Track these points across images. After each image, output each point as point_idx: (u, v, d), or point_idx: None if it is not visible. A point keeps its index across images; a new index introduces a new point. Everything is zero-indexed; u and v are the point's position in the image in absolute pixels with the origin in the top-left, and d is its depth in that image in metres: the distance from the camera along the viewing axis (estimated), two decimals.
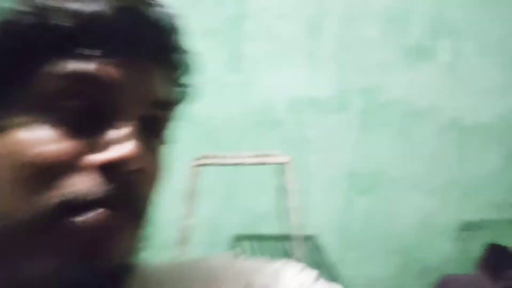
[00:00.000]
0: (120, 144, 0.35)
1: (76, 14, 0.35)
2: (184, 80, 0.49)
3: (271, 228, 3.08)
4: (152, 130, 0.42)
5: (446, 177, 3.30)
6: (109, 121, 0.37)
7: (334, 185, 3.17)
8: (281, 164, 2.59)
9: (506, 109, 3.34)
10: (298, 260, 2.78)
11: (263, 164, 2.61)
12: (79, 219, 0.34)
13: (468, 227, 3.33)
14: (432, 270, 3.31)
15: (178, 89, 0.47)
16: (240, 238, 3.16)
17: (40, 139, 0.34)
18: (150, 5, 0.41)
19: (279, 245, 3.09)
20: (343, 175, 3.17)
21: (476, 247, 3.32)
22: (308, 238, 3.13)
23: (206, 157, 2.60)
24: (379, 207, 3.23)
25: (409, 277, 3.29)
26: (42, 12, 0.35)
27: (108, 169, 0.35)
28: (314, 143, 3.13)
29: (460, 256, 3.34)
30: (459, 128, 3.30)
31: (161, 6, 0.41)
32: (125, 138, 0.36)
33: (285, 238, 3.07)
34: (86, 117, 0.36)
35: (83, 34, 0.35)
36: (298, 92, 3.08)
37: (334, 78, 3.12)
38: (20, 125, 0.35)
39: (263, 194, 3.06)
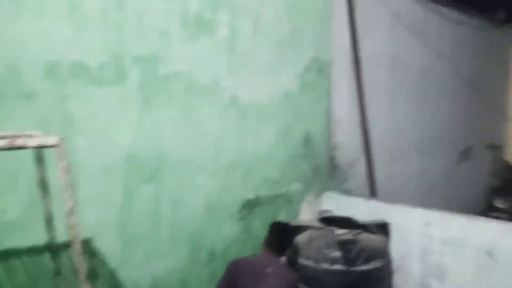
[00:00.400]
0: None
1: None
2: None
3: (21, 239, 2.26)
4: None
5: (228, 157, 3.20)
6: None
7: (109, 173, 2.58)
8: (43, 148, 1.86)
9: (275, 88, 3.50)
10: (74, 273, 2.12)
11: (14, 149, 1.77)
12: None
13: (249, 206, 3.35)
14: (219, 255, 3.18)
15: None
16: None
17: None
18: None
19: (38, 259, 2.30)
20: (120, 161, 2.63)
21: (258, 225, 3.37)
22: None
23: None
24: (165, 195, 2.85)
25: (197, 267, 3.05)
26: None
27: None
28: (82, 122, 2.46)
29: (244, 236, 3.32)
30: (238, 107, 3.26)
31: None
32: None
33: (46, 249, 2.31)
34: None
35: None
36: (57, 54, 2.34)
37: (107, 40, 2.52)
38: None
39: (10, 191, 2.20)
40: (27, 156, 2.23)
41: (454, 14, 5.74)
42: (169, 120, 2.85)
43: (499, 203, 6.86)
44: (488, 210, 6.60)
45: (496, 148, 7.17)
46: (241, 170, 3.28)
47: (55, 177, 2.06)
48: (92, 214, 2.50)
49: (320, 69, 3.87)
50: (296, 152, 3.68)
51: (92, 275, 2.53)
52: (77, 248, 1.44)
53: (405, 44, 4.96)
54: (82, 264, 1.42)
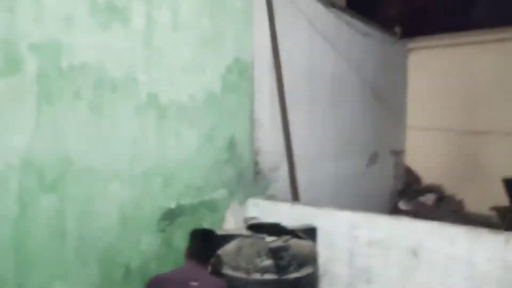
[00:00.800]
0: None
1: None
2: None
3: None
4: None
5: (147, 163, 2.87)
6: None
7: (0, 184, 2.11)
8: None
9: (196, 88, 3.26)
10: None
11: None
12: None
13: (170, 216, 3.03)
14: (136, 272, 2.81)
15: None
16: None
17: None
18: None
19: None
20: (13, 167, 2.16)
21: (180, 237, 3.06)
22: None
23: None
24: (70, 207, 2.42)
25: (110, 287, 2.65)
26: None
27: None
28: None
29: (164, 250, 2.99)
30: (157, 107, 2.95)
31: None
32: None
33: None
34: None
35: None
36: None
37: None
38: None
39: None
40: None
41: (362, 26, 6.05)
42: (74, 119, 2.44)
43: (402, 205, 7.35)
44: (393, 212, 7.02)
45: (397, 153, 7.72)
46: (161, 176, 2.96)
47: None
48: None
49: (243, 70, 3.72)
50: (220, 157, 3.46)
51: None
52: None
53: (320, 51, 5.06)
54: None
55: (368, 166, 6.55)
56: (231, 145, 3.57)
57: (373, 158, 6.68)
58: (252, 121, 3.83)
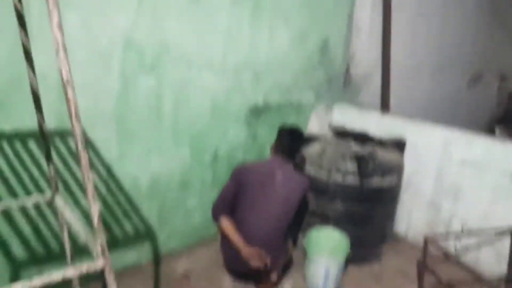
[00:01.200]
0: None
1: None
2: None
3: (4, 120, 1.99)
4: None
5: (239, 57, 2.85)
6: None
7: (104, 58, 2.24)
8: None
9: None
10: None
11: None
12: None
13: (257, 111, 3.08)
14: (222, 158, 2.98)
15: None
16: None
17: None
18: None
19: (26, 143, 2.05)
20: (117, 46, 2.27)
21: (264, 132, 3.14)
22: (69, 132, 2.20)
23: None
24: (166, 90, 2.54)
25: (199, 168, 2.86)
26: None
27: None
28: None
29: (249, 142, 3.10)
30: None
31: None
32: None
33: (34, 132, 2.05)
34: None
35: None
36: None
37: None
38: None
39: None
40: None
41: None
42: (173, 7, 2.44)
43: (498, 133, 6.76)
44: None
45: (504, 77, 6.89)
46: (251, 71, 2.96)
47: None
48: (84, 102, 2.20)
49: None
50: (312, 59, 3.34)
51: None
52: (76, 126, 1.16)
53: None
54: (83, 147, 1.15)
55: (469, 88, 5.97)
56: (324, 47, 3.40)
57: (475, 80, 6.05)
58: (349, 24, 3.56)
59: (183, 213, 2.89)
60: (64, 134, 2.19)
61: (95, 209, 1.19)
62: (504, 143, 2.67)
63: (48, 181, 2.07)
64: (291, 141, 2.47)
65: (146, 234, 2.74)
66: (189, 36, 2.56)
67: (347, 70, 3.69)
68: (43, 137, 1.64)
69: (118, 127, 2.39)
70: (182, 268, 2.73)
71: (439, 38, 4.88)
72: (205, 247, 2.99)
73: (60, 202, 1.65)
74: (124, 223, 2.60)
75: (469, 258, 2.88)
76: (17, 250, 2.15)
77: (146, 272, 2.67)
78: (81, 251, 2.14)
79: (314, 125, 3.51)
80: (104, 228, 2.45)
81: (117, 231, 2.57)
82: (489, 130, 6.86)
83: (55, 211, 2.09)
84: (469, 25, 5.41)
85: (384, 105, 4.02)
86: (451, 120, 5.62)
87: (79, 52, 2.14)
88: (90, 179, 1.16)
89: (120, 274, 2.60)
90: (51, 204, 1.76)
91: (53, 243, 2.26)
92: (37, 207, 2.14)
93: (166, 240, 2.85)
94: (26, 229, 2.16)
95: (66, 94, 1.12)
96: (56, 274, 1.18)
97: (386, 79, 3.97)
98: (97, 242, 1.24)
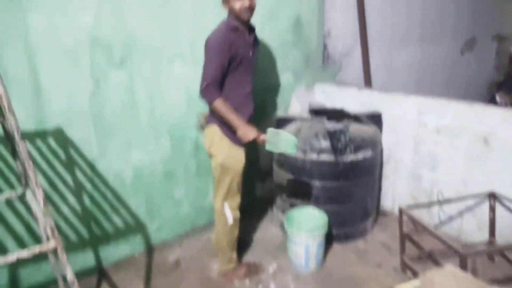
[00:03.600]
0: None
1: None
2: None
3: None
4: None
5: None
6: None
7: (73, 58, 2.32)
8: None
9: None
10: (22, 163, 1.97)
11: None
12: None
13: None
14: (204, 147, 3.05)
15: None
16: None
17: None
18: None
19: None
20: (84, 43, 2.34)
21: None
22: (49, 133, 2.30)
23: None
24: (139, 83, 2.61)
25: (182, 159, 2.94)
26: None
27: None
28: None
29: None
30: None
31: None
32: None
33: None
34: None
35: None
36: None
37: None
38: None
39: None
40: None
41: None
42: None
43: (499, 97, 6.65)
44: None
45: (502, 39, 6.74)
46: None
47: None
48: (58, 102, 2.31)
49: None
50: (285, 38, 3.36)
51: (70, 165, 2.42)
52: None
53: None
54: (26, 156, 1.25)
55: (463, 53, 5.88)
56: (297, 25, 3.41)
57: (469, 44, 5.94)
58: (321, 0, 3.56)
59: (171, 203, 2.99)
60: (42, 135, 2.29)
61: (40, 194, 1.28)
62: (474, 107, 2.66)
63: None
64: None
65: (136, 226, 2.85)
66: (155, 28, 2.61)
67: (325, 48, 3.69)
68: (6, 136, 1.74)
69: (95, 125, 2.49)
70: (174, 257, 2.84)
71: (422, 3, 4.77)
72: (196, 235, 3.10)
73: (30, 196, 1.76)
74: (113, 217, 2.71)
75: (452, 227, 2.91)
76: None
77: (139, 263, 2.79)
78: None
79: (295, 107, 3.54)
80: (94, 224, 2.59)
81: (107, 225, 2.69)
82: (490, 97, 6.75)
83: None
84: None
85: (367, 81, 4.01)
86: (446, 89, 5.58)
87: (48, 54, 2.23)
88: (30, 166, 1.25)
89: (114, 267, 2.74)
90: (21, 199, 1.87)
91: (26, 236, 2.38)
92: (9, 202, 2.26)
93: (157, 231, 2.97)
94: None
95: None
96: (11, 256, 1.29)
97: (365, 54, 3.96)
98: (47, 225, 1.34)
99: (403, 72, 4.75)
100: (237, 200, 2.45)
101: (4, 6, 2.04)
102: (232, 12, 2.24)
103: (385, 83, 4.37)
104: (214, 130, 2.34)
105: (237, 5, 2.19)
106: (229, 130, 2.28)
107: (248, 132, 2.19)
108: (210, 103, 2.22)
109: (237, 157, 2.35)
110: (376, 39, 4.16)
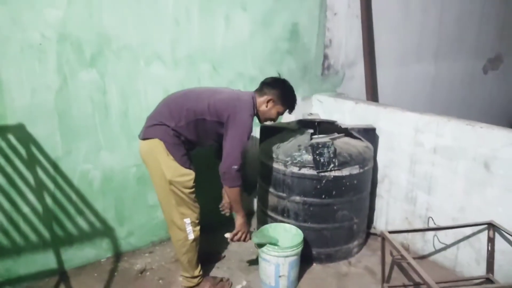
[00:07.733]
0: None
1: None
2: None
3: None
4: None
5: (190, 46, 2.75)
6: None
7: (39, 53, 2.23)
8: None
9: None
10: None
11: None
12: None
13: None
14: None
15: None
16: None
17: None
18: None
19: None
20: (51, 40, 2.25)
21: None
22: (9, 129, 2.21)
23: None
24: (112, 84, 2.50)
25: None
26: None
27: None
28: None
29: None
30: None
31: None
32: None
33: None
34: None
35: None
36: None
37: None
38: None
39: None
40: None
41: None
42: None
43: None
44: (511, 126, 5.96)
45: None
46: (208, 62, 2.86)
47: None
48: (20, 98, 2.21)
49: None
50: (279, 46, 3.19)
51: (32, 163, 2.32)
52: None
53: None
54: None
55: (486, 72, 5.51)
56: (294, 33, 3.23)
57: (494, 62, 5.57)
58: (322, 7, 3.37)
59: (144, 209, 2.85)
60: (1, 130, 2.20)
61: None
62: (475, 126, 2.39)
63: None
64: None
65: (104, 230, 2.72)
66: (131, 27, 2.50)
67: (325, 58, 3.49)
68: None
69: (61, 122, 2.38)
70: (141, 266, 2.69)
71: (440, 15, 4.48)
72: (170, 243, 2.93)
73: None
74: (77, 219, 2.59)
75: (447, 257, 2.62)
76: None
77: (103, 269, 2.66)
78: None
79: (289, 117, 3.34)
80: (57, 224, 2.47)
81: (70, 227, 2.57)
82: None
83: None
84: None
85: (371, 95, 3.77)
86: (466, 109, 5.21)
87: (11, 48, 2.15)
88: None
89: (76, 271, 2.61)
90: None
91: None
92: None
93: (127, 237, 2.83)
94: None
95: None
96: None
97: (369, 67, 3.73)
98: None
99: (415, 87, 4.47)
100: (196, 213, 2.27)
101: None
102: (263, 109, 2.27)
103: (395, 97, 4.11)
104: (159, 145, 2.10)
105: (275, 113, 2.30)
106: (176, 151, 2.11)
107: (247, 225, 2.31)
108: (230, 186, 2.14)
109: (186, 174, 2.14)
110: (386, 51, 3.92)
